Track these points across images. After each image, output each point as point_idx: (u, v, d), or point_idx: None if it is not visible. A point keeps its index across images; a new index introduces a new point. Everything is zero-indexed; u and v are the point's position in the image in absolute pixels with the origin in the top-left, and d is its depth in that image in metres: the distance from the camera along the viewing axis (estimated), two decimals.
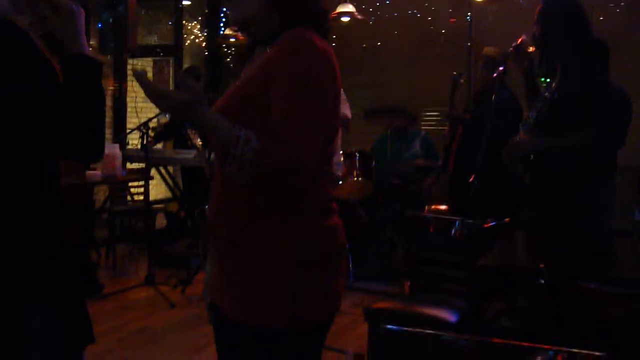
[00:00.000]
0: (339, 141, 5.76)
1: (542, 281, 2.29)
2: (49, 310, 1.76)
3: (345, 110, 5.38)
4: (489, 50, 5.53)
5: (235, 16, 2.00)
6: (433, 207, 5.66)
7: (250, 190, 1.80)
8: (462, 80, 5.62)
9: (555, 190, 3.24)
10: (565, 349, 1.52)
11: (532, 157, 3.37)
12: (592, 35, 3.39)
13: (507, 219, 3.54)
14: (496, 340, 1.63)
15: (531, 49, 3.56)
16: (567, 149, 3.23)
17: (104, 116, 1.85)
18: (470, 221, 3.63)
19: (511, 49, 3.57)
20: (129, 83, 9.64)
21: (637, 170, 5.20)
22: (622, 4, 6.55)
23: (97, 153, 1.87)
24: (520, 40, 3.52)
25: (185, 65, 10.01)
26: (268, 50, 1.87)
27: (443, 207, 5.52)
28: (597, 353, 1.50)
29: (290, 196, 1.81)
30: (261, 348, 1.83)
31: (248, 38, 2.05)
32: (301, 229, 1.82)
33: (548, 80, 3.42)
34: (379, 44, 8.26)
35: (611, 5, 6.56)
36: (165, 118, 8.40)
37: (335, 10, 7.12)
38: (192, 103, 1.67)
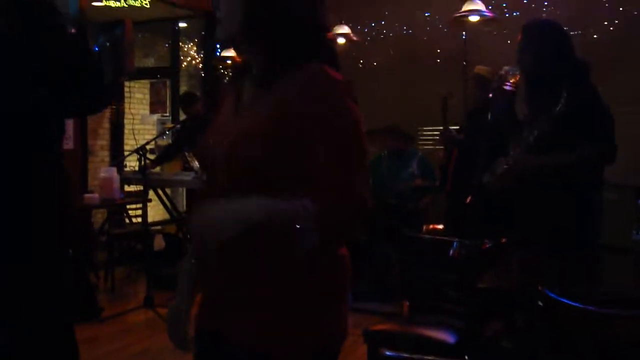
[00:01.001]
0: None
1: (540, 303, 2.29)
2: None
3: None
4: (480, 69, 5.60)
5: (221, 33, 1.86)
6: (430, 226, 5.68)
7: None
8: (452, 98, 5.66)
9: (547, 208, 3.27)
10: None
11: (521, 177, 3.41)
12: (575, 56, 3.49)
13: (503, 240, 3.55)
14: None
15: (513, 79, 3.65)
16: (570, 165, 3.26)
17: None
18: (467, 242, 3.64)
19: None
20: (127, 105, 9.67)
21: (635, 188, 5.24)
22: (616, 21, 6.59)
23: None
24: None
25: (183, 87, 10.06)
26: (283, 82, 1.75)
27: (440, 226, 5.55)
28: None
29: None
30: None
31: (241, 57, 1.97)
32: (321, 259, 1.75)
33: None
34: (374, 63, 8.29)
35: (605, 23, 6.60)
36: (165, 140, 8.43)
37: (331, 32, 7.17)
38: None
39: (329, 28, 1.89)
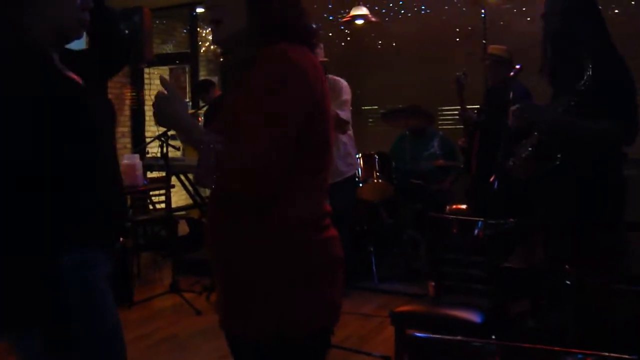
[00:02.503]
0: (349, 148, 5.77)
1: (568, 282, 2.30)
2: None
3: (346, 113, 5.38)
4: (494, 48, 5.57)
5: (219, 36, 1.98)
6: (454, 207, 5.67)
7: (238, 204, 1.83)
8: (467, 79, 5.62)
9: (569, 188, 3.23)
10: (594, 352, 1.52)
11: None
12: (604, 21, 3.33)
13: (528, 219, 3.54)
14: (525, 345, 1.63)
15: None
16: (588, 132, 3.19)
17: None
18: (493, 221, 3.64)
19: None
20: (147, 92, 9.70)
21: None
22: None
23: None
24: None
25: (202, 72, 10.06)
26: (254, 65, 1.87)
27: (463, 207, 5.54)
28: (627, 356, 1.48)
29: (275, 209, 1.81)
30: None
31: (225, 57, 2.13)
32: (288, 242, 1.82)
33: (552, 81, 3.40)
34: (394, 44, 8.26)
35: (616, 11, 6.52)
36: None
37: (349, 13, 7.15)
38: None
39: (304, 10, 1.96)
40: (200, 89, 8.01)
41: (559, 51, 3.37)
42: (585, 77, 3.06)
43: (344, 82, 5.48)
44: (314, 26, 2.00)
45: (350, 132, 5.84)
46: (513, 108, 3.34)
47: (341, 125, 5.30)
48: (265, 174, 1.74)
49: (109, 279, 2.07)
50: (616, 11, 6.44)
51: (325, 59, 5.31)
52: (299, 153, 1.81)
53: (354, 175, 6.08)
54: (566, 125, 3.18)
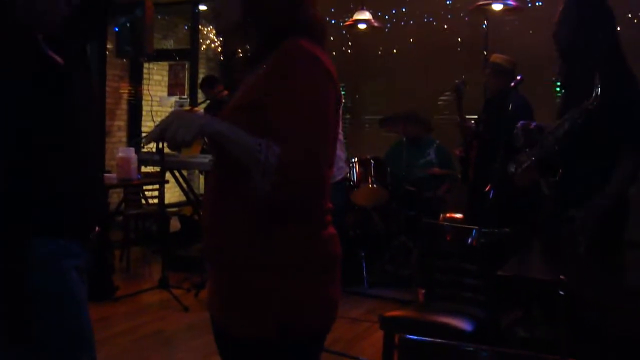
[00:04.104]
0: (338, 151, 5.74)
1: (562, 293, 2.28)
2: None
3: None
4: (497, 57, 5.52)
5: (220, 26, 1.99)
6: (448, 215, 5.66)
7: (242, 199, 1.78)
8: (467, 87, 5.61)
9: (573, 202, 3.19)
10: None
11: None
12: (618, 37, 3.24)
13: (523, 228, 3.53)
14: (519, 351, 1.61)
15: None
16: (627, 183, 3.11)
17: None
18: (487, 230, 3.62)
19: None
20: (145, 86, 9.68)
21: None
22: None
23: None
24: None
25: (201, 69, 10.05)
26: (266, 60, 1.84)
27: (458, 215, 5.53)
28: None
29: (283, 207, 1.77)
30: None
31: (226, 47, 2.08)
32: (292, 238, 1.79)
33: (563, 90, 3.34)
34: (395, 50, 8.27)
35: (629, 16, 6.53)
36: None
37: (352, 17, 7.15)
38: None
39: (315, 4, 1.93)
40: (205, 84, 8.01)
41: (570, 65, 3.31)
42: (593, 95, 2.95)
43: None
44: (324, 21, 1.97)
45: (341, 135, 5.80)
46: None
47: None
48: (319, 171, 1.71)
49: (83, 271, 2.00)
50: (618, 28, 6.44)
51: None
52: None
53: (344, 179, 6.07)
54: (613, 197, 3.08)
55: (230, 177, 1.83)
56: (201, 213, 2.01)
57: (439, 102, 7.50)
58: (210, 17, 2.16)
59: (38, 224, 1.86)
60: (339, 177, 5.80)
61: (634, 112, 3.07)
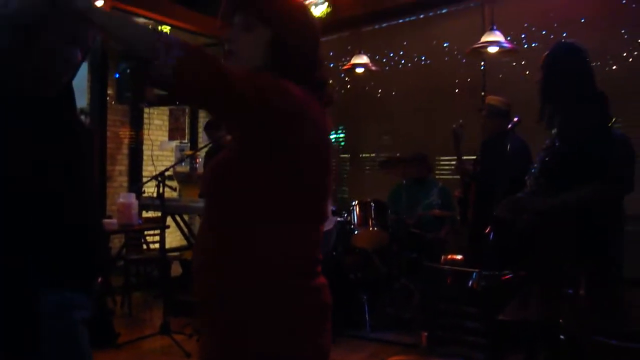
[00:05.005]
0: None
1: (562, 336, 2.28)
2: None
3: None
4: (492, 99, 5.59)
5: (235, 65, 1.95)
6: (449, 257, 5.65)
7: (228, 247, 1.80)
8: (464, 130, 5.65)
9: (564, 244, 3.23)
10: None
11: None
12: (594, 86, 3.41)
13: (523, 271, 3.53)
14: None
15: None
16: (569, 206, 3.23)
17: None
18: (487, 273, 3.62)
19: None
20: (146, 131, 9.73)
21: None
22: (636, 53, 6.59)
23: None
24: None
25: (202, 114, 10.11)
26: None
27: (459, 257, 5.52)
28: None
29: (267, 255, 1.78)
30: None
31: None
32: (279, 288, 1.79)
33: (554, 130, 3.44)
34: (393, 93, 8.33)
35: (624, 54, 6.59)
36: (184, 167, 8.46)
37: (350, 61, 7.22)
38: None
39: (322, 61, 1.98)
40: (210, 126, 8.05)
41: (543, 104, 3.47)
42: (553, 134, 3.16)
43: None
44: (328, 82, 2.00)
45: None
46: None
47: None
48: (230, 90, 1.64)
49: (86, 322, 2.01)
50: (614, 67, 6.51)
51: None
52: (295, 200, 1.81)
53: (332, 229, 6.11)
54: (549, 209, 3.27)
55: (222, 223, 1.84)
56: (192, 258, 1.99)
57: (439, 143, 7.52)
58: (222, 54, 2.13)
59: (42, 276, 1.86)
60: (327, 228, 5.83)
61: (591, 151, 3.22)
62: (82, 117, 7.41)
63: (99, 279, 2.21)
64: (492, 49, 6.09)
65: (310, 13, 2.01)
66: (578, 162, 3.18)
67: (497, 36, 6.02)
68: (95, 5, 1.64)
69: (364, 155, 8.65)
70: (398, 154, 7.68)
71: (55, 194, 1.90)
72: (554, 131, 3.35)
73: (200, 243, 1.93)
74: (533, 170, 3.40)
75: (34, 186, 1.86)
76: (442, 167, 7.83)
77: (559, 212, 3.24)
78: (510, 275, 3.52)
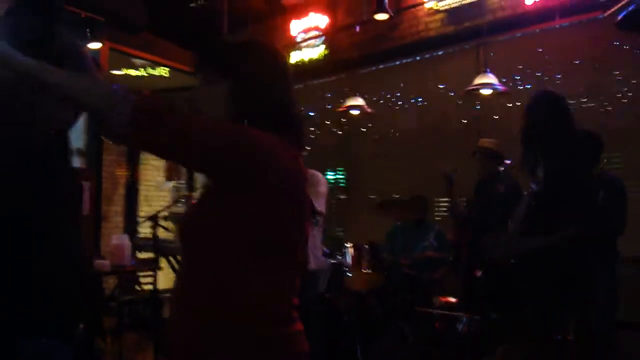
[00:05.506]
0: (317, 241, 5.69)
1: None
2: None
3: (321, 205, 5.29)
4: (484, 142, 5.62)
5: None
6: (443, 299, 5.61)
7: (201, 297, 1.77)
8: (457, 173, 5.66)
9: (550, 287, 3.22)
10: None
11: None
12: (574, 131, 3.46)
13: (512, 315, 3.49)
14: None
15: None
16: (553, 246, 3.23)
17: None
18: (477, 317, 3.58)
19: None
20: (142, 172, 9.74)
21: None
22: (630, 94, 6.60)
23: None
24: None
25: None
26: None
27: (452, 299, 5.47)
28: None
29: (239, 302, 1.75)
30: None
31: None
32: (251, 337, 1.75)
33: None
34: (389, 134, 8.35)
35: (618, 95, 6.60)
36: (180, 208, 8.45)
37: (345, 103, 7.25)
38: None
39: (294, 103, 1.97)
40: None
41: (524, 151, 3.54)
42: (537, 177, 3.26)
43: (321, 175, 5.47)
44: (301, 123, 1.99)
45: (320, 228, 5.75)
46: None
47: (316, 218, 5.25)
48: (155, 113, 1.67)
49: None
50: (608, 108, 6.52)
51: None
52: (262, 249, 1.78)
53: (324, 270, 6.06)
54: (523, 251, 3.35)
55: (193, 271, 1.82)
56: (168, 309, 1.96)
57: (436, 184, 7.51)
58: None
59: (18, 324, 1.83)
60: (317, 268, 5.75)
61: (571, 196, 3.27)
62: (78, 157, 7.40)
63: (81, 325, 2.17)
64: (486, 91, 6.11)
65: (279, 56, 2.01)
66: (560, 206, 3.19)
67: (491, 78, 6.05)
68: (44, 65, 1.68)
69: (360, 195, 8.63)
70: (396, 195, 7.67)
71: (32, 241, 1.88)
72: (539, 174, 3.36)
73: (175, 290, 1.90)
74: (519, 213, 3.41)
75: (10, 233, 1.84)
76: (439, 208, 7.81)
77: (543, 256, 3.22)
78: (500, 320, 3.47)
